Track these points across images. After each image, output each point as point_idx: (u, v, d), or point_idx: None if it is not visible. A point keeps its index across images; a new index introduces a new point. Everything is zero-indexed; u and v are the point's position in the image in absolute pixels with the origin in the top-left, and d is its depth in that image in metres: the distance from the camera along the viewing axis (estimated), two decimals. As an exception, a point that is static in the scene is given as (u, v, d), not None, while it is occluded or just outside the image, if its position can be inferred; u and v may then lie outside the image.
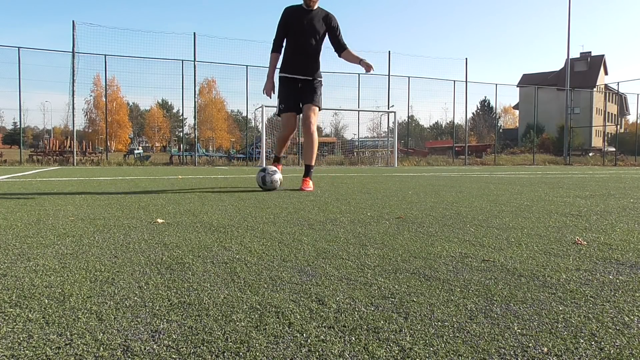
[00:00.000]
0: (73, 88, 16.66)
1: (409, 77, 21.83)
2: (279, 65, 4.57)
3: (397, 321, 0.95)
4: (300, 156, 19.79)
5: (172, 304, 1.05)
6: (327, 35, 4.55)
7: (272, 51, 4.52)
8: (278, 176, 4.30)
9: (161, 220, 2.29)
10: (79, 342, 0.84)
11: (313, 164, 4.61)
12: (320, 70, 4.61)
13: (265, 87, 4.52)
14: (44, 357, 0.78)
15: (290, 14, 4.42)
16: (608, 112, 43.65)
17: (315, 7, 4.44)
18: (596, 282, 1.26)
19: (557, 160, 26.37)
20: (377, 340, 0.86)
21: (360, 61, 4.52)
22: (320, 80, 4.60)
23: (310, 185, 4.47)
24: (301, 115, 4.58)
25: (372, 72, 4.49)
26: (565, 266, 1.43)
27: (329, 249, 1.65)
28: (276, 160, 4.91)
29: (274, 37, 4.51)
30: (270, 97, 4.55)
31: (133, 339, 0.86)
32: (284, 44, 4.53)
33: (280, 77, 4.57)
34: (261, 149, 17.42)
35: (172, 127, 48.11)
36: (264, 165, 4.34)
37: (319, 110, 4.58)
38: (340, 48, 4.61)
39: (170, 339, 0.86)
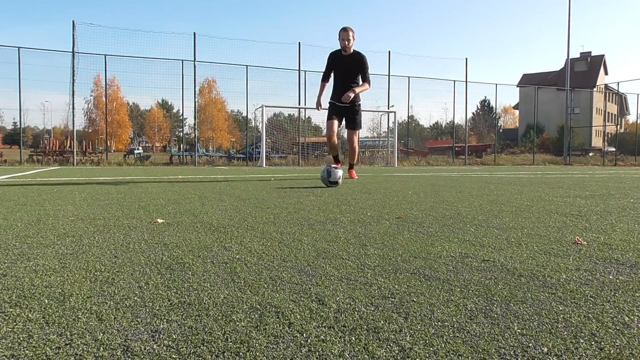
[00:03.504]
0: (73, 88, 16.67)
1: (409, 77, 21.82)
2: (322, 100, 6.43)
3: (397, 321, 0.95)
4: (301, 158, 19.99)
5: (172, 304, 1.05)
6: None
7: (322, 80, 6.26)
8: (340, 172, 4.91)
9: (161, 220, 2.29)
10: (79, 342, 0.84)
11: (355, 162, 6.70)
12: (359, 98, 6.14)
13: (316, 102, 6.49)
14: (44, 357, 0.78)
15: (333, 57, 6.05)
16: (608, 112, 43.60)
17: (351, 51, 5.90)
18: (596, 282, 1.26)
19: (557, 160, 26.36)
20: (377, 340, 0.86)
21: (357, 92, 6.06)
22: (359, 105, 6.18)
23: (355, 175, 6.52)
24: (345, 135, 6.48)
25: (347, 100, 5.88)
26: (565, 266, 1.43)
27: (329, 249, 1.65)
28: (336, 160, 6.30)
29: (323, 71, 6.22)
30: (319, 110, 6.66)
31: (133, 339, 0.86)
32: (332, 78, 6.18)
33: (329, 103, 6.22)
34: (261, 149, 17.42)
35: (172, 127, 48.14)
36: (327, 165, 5.14)
37: (359, 129, 6.33)
38: (361, 79, 6.09)
39: (170, 339, 0.86)
